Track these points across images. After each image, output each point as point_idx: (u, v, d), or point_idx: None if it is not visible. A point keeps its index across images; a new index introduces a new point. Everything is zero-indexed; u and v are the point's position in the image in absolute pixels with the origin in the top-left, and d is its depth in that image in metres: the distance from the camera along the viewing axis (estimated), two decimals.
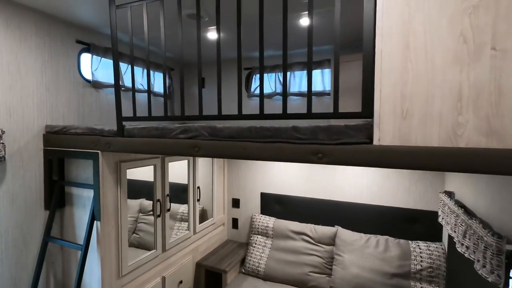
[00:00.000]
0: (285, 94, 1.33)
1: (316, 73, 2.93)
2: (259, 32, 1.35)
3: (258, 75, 3.21)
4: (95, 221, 1.88)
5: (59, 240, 1.99)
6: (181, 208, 3.06)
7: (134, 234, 3.06)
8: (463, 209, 1.70)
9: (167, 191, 2.43)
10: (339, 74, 1.25)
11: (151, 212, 3.10)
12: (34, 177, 2.02)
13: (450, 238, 2.19)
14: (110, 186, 1.92)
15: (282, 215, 3.10)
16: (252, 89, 3.24)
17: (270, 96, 3.14)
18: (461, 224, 1.64)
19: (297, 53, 2.97)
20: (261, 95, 1.38)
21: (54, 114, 2.15)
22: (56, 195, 2.06)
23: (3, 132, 1.82)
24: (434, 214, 2.45)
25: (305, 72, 2.98)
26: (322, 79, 2.91)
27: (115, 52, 1.70)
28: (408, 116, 1.07)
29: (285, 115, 1.32)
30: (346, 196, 2.83)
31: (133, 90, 1.69)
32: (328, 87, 2.90)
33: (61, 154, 2.02)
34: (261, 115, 1.37)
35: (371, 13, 1.14)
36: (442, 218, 2.09)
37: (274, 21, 2.22)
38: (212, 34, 2.53)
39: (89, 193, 2.01)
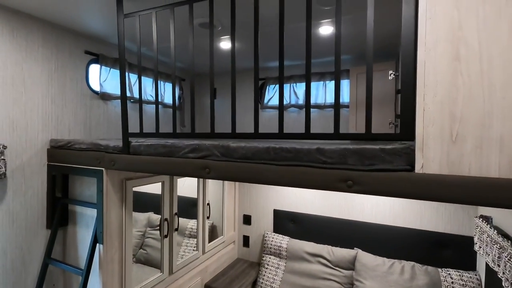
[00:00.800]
0: (308, 111, 1.17)
1: (333, 84, 2.77)
2: (279, 43, 1.20)
3: (272, 86, 3.08)
4: (97, 244, 1.75)
5: (60, 263, 1.87)
6: (190, 224, 2.91)
7: (141, 250, 2.93)
8: (509, 241, 1.48)
9: (175, 209, 2.29)
10: (372, 88, 1.09)
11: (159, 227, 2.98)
12: (36, 194, 1.92)
13: (488, 267, 1.95)
14: (114, 206, 1.79)
15: (297, 235, 2.90)
16: (266, 100, 3.10)
17: (285, 108, 2.99)
18: (508, 260, 1.42)
19: (314, 63, 2.82)
20: (281, 112, 1.23)
21: (60, 128, 2.06)
22: (58, 213, 1.95)
23: (4, 148, 1.72)
24: (467, 240, 2.21)
25: (321, 83, 2.83)
26: (342, 91, 2.74)
27: (122, 63, 1.59)
28: (459, 140, 0.90)
29: (308, 135, 1.16)
30: (366, 216, 2.62)
31: (140, 104, 1.57)
32: (346, 98, 2.73)
33: (65, 170, 1.91)
34: (281, 134, 1.22)
35: (411, 19, 0.98)
36: (480, 247, 1.86)
37: (290, 30, 2.08)
38: (224, 44, 2.41)
39: (93, 212, 1.88)
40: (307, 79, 1.18)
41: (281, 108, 1.23)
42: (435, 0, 0.92)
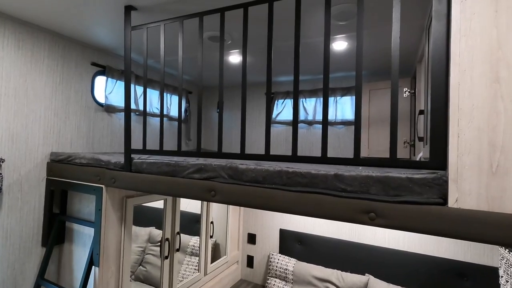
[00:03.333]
0: (325, 133, 1.08)
1: (345, 100, 2.69)
2: (294, 58, 1.12)
3: (281, 100, 3.01)
4: (93, 266, 1.64)
5: (53, 285, 1.75)
6: (192, 241, 2.79)
7: (140, 267, 2.80)
8: None
9: (177, 228, 2.18)
10: (397, 107, 0.99)
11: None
12: (33, 210, 1.83)
13: None
14: (113, 226, 1.68)
15: (304, 257, 2.75)
16: (274, 115, 3.02)
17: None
18: None
19: (335, 77, 2.74)
20: (295, 133, 1.13)
21: (61, 141, 1.99)
22: (55, 230, 1.85)
23: (2, 161, 1.65)
24: (490, 271, 2.05)
25: (332, 99, 2.74)
26: (352, 108, 2.65)
27: (128, 75, 1.52)
28: (501, 172, 0.79)
29: (325, 159, 1.06)
30: (379, 239, 2.47)
31: (144, 119, 1.49)
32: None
33: (65, 186, 1.82)
34: (294, 157, 1.12)
35: (442, 37, 0.90)
36: (507, 281, 1.71)
37: (301, 44, 2.01)
38: (234, 58, 2.36)
39: (91, 230, 1.78)
40: (324, 97, 1.09)
41: (295, 129, 1.13)
42: (471, 16, 0.83)
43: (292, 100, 2.93)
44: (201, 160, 1.35)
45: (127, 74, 1.52)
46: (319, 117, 2.78)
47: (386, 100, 2.43)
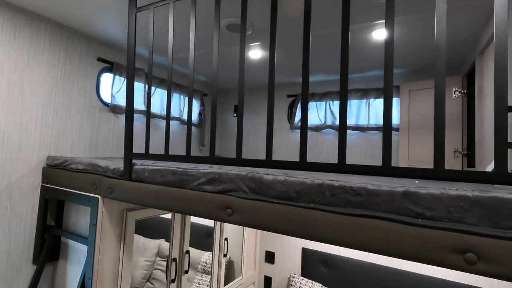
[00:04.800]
0: (388, 137, 0.77)
1: (378, 103, 2.35)
2: (341, 53, 0.83)
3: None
4: None
5: None
6: (204, 257, 2.50)
7: (148, 283, 2.53)
8: None
9: (186, 246, 1.89)
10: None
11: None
12: (24, 221, 1.60)
13: None
14: (110, 244, 1.42)
15: (330, 282, 2.39)
16: (296, 120, 2.72)
17: (319, 128, 2.59)
18: None
19: (355, 78, 2.43)
20: (343, 138, 0.83)
21: (61, 143, 1.77)
22: (48, 245, 1.61)
23: None
24: None
25: (364, 101, 2.42)
26: None
27: (131, 66, 1.28)
28: None
29: (388, 169, 0.74)
30: (423, 266, 2.08)
31: (148, 118, 1.23)
32: (395, 120, 2.29)
33: (60, 195, 1.59)
34: (341, 165, 0.81)
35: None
36: None
37: (330, 35, 1.72)
38: (254, 53, 2.09)
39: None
40: (385, 101, 0.78)
41: (343, 129, 0.83)
42: None
43: (317, 103, 2.62)
44: (215, 168, 1.06)
45: (129, 65, 1.28)
46: (350, 121, 2.46)
47: (430, 102, 2.09)
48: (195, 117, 2.82)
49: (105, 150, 2.04)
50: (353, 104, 2.43)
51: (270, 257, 2.74)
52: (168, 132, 1.17)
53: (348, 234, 0.76)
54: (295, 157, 2.74)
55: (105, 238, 1.39)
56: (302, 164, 0.87)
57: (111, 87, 2.05)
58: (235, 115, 3.15)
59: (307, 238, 0.83)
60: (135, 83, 2.14)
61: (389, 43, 0.77)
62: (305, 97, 0.89)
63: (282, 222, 0.87)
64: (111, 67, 2.06)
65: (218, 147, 3.26)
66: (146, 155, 1.21)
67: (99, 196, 1.36)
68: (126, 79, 2.09)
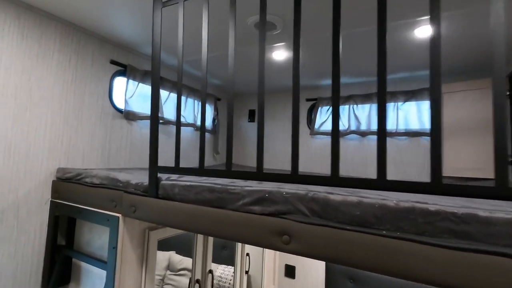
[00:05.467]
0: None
1: (407, 106, 2.21)
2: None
3: (325, 108, 2.56)
4: None
5: None
6: (219, 270, 2.34)
7: None
8: None
9: (209, 266, 1.73)
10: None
11: (182, 272, 2.42)
12: (32, 241, 1.44)
13: None
14: (131, 268, 1.26)
15: None
16: (317, 125, 2.58)
17: (342, 134, 2.44)
18: None
19: (395, 79, 2.28)
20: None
21: (72, 153, 1.61)
22: (58, 267, 1.45)
23: None
24: None
25: (392, 104, 2.27)
26: (418, 114, 2.17)
27: (156, 70, 1.13)
28: None
29: (382, 182, 0.59)
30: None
31: (178, 127, 1.08)
32: (424, 125, 2.15)
33: (72, 212, 1.42)
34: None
35: None
36: None
37: (353, 35, 1.57)
38: (278, 54, 1.95)
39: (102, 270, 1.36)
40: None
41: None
42: None
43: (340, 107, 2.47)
44: (264, 186, 0.91)
45: (155, 66, 1.13)
46: (375, 126, 2.30)
47: (466, 106, 1.94)
48: (208, 122, 2.67)
49: (118, 160, 1.88)
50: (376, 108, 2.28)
51: (290, 271, 2.57)
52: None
53: (455, 273, 0.61)
54: (316, 165, 2.59)
55: (126, 262, 1.23)
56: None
57: (125, 91, 1.90)
58: (249, 120, 3.00)
59: (393, 274, 0.67)
60: (149, 88, 1.99)
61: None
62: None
63: (356, 254, 0.71)
64: (124, 71, 1.91)
65: (236, 157, 3.11)
66: (177, 169, 1.06)
67: (119, 215, 1.21)
68: (141, 84, 1.94)
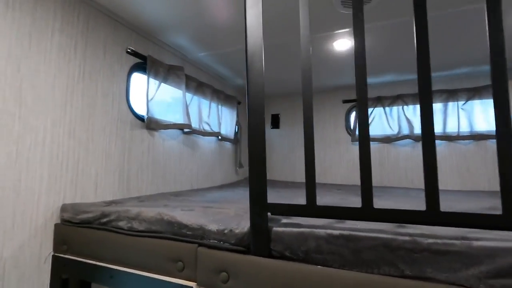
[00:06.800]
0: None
1: (469, 106, 1.94)
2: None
3: (369, 109, 2.23)
4: None
5: None
6: None
7: None
8: None
9: None
10: None
11: None
12: None
13: None
14: None
15: None
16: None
17: (391, 139, 2.13)
18: None
19: (437, 77, 2.02)
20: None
21: (81, 181, 1.11)
22: None
23: None
24: None
25: (451, 104, 2.00)
26: (486, 114, 1.91)
27: (257, 57, 0.71)
28: None
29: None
30: None
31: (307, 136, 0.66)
32: (478, 126, 1.89)
33: (92, 274, 0.92)
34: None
35: None
36: None
37: (402, 23, 1.26)
38: (341, 43, 1.57)
39: None
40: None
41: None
42: None
43: (386, 108, 2.16)
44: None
45: (251, 59, 0.70)
46: (453, 128, 2.00)
47: None
48: (230, 130, 2.22)
49: (140, 184, 1.39)
50: (437, 109, 2.00)
51: None
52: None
53: None
54: (358, 177, 2.24)
55: None
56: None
57: (146, 92, 1.42)
58: (272, 126, 2.60)
59: None
60: (168, 87, 1.53)
61: None
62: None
63: None
64: (143, 64, 1.44)
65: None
66: (310, 209, 0.63)
67: (192, 284, 0.74)
68: (161, 83, 1.48)
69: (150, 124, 1.42)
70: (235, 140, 2.30)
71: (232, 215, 0.86)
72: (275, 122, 2.59)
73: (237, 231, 0.72)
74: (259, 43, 0.71)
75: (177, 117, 1.64)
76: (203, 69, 1.96)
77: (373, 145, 2.20)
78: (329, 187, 1.90)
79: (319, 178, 2.37)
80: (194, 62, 1.85)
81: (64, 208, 1.02)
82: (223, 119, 2.11)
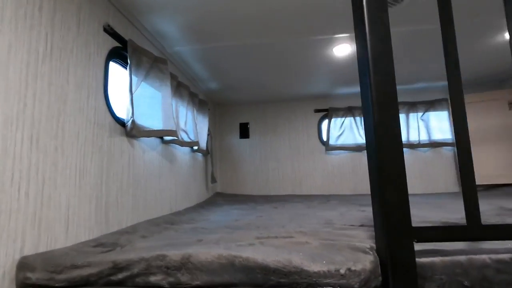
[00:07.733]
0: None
1: (426, 117, 2.17)
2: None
3: (339, 119, 2.27)
4: None
5: None
6: None
7: None
8: None
9: None
10: None
11: None
12: None
13: None
14: None
15: None
16: (333, 139, 2.25)
17: (362, 148, 2.20)
18: None
19: (400, 91, 2.19)
20: None
21: (46, 216, 0.71)
22: None
23: None
24: None
25: (413, 115, 2.19)
26: (440, 125, 2.15)
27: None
28: None
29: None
30: None
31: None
32: (448, 134, 2.15)
33: None
34: None
35: None
36: None
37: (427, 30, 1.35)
38: (341, 48, 1.52)
39: None
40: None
41: None
42: None
43: (353, 118, 2.23)
44: None
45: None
46: (414, 137, 2.14)
47: (485, 115, 2.03)
48: (204, 140, 1.92)
49: (120, 213, 1.00)
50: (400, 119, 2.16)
51: None
52: None
53: None
54: (334, 185, 2.23)
55: None
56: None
57: (129, 87, 1.06)
58: (241, 136, 2.39)
59: None
60: (149, 88, 1.23)
61: None
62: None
63: None
64: (122, 49, 1.08)
65: (220, 180, 2.38)
66: (478, 229, 0.49)
67: None
68: (146, 78, 1.15)
69: (132, 130, 1.06)
70: (207, 151, 2.01)
71: (317, 245, 0.65)
72: (244, 132, 2.39)
73: (358, 268, 0.52)
74: None
75: (156, 122, 1.29)
76: (180, 67, 1.65)
77: (345, 154, 2.24)
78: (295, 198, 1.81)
79: (294, 189, 2.27)
80: (172, 57, 1.53)
81: (24, 264, 0.62)
82: (198, 127, 1.81)
